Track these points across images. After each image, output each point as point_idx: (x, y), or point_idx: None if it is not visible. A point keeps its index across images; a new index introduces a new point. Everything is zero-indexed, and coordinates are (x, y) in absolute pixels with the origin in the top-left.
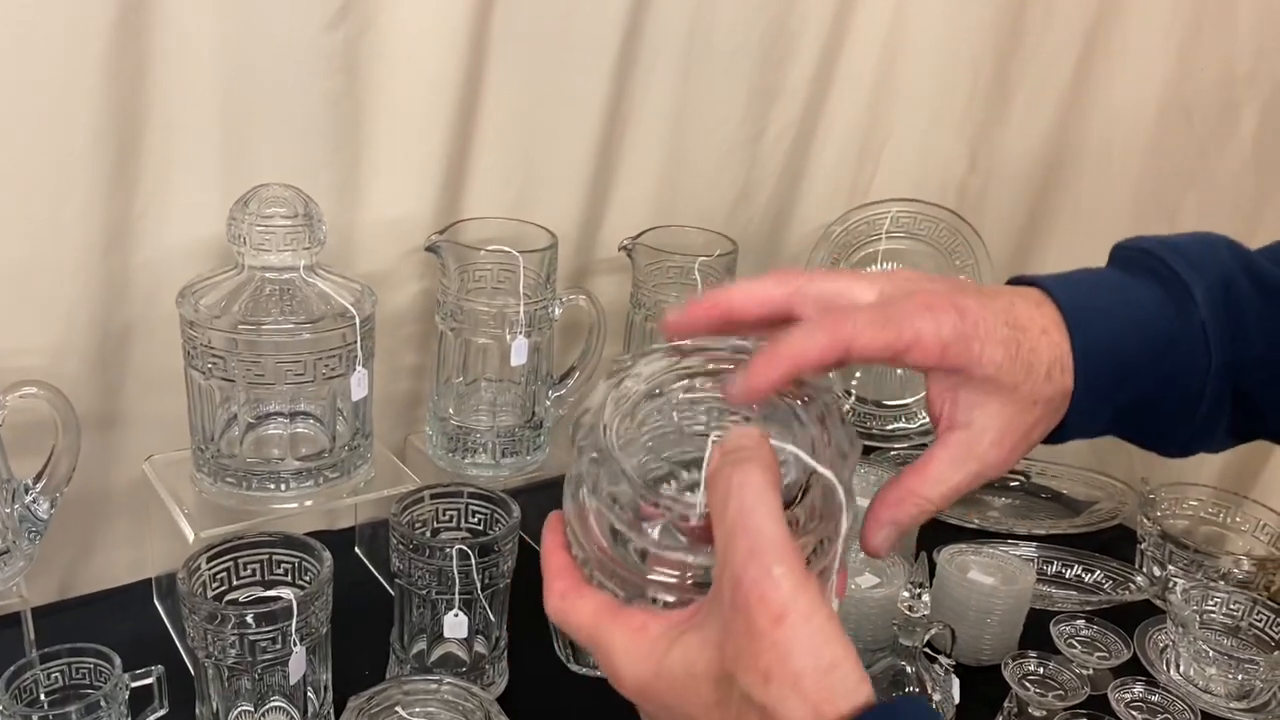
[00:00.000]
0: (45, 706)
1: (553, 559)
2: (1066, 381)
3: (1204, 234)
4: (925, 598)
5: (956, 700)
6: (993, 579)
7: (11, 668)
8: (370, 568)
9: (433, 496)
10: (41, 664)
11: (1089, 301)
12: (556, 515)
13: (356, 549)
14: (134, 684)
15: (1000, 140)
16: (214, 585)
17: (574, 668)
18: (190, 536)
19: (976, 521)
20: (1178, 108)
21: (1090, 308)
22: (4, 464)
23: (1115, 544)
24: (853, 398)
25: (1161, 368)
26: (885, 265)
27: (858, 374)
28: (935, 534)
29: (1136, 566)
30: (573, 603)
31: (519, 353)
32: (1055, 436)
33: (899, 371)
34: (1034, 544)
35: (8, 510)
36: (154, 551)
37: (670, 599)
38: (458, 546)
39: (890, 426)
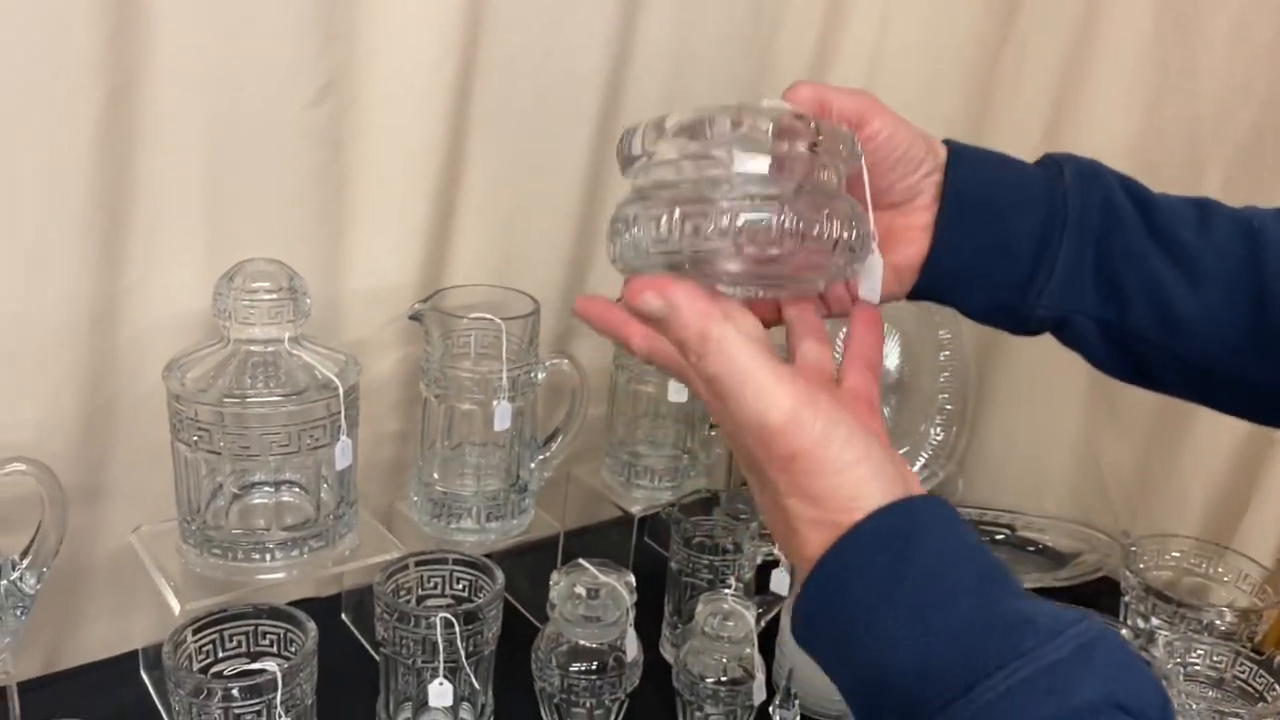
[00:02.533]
0: None
1: (611, 312)
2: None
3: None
4: None
5: None
6: None
7: None
8: (357, 634)
9: (417, 564)
10: None
11: (972, 152)
12: (584, 300)
13: (343, 615)
14: None
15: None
16: (200, 658)
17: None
18: (176, 609)
19: None
20: (1144, 165)
21: (971, 156)
22: None
23: (1100, 597)
24: None
25: (1020, 214)
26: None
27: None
28: None
29: (1121, 619)
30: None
31: (503, 418)
32: (926, 270)
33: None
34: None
35: None
36: (140, 623)
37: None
38: (442, 615)
39: None
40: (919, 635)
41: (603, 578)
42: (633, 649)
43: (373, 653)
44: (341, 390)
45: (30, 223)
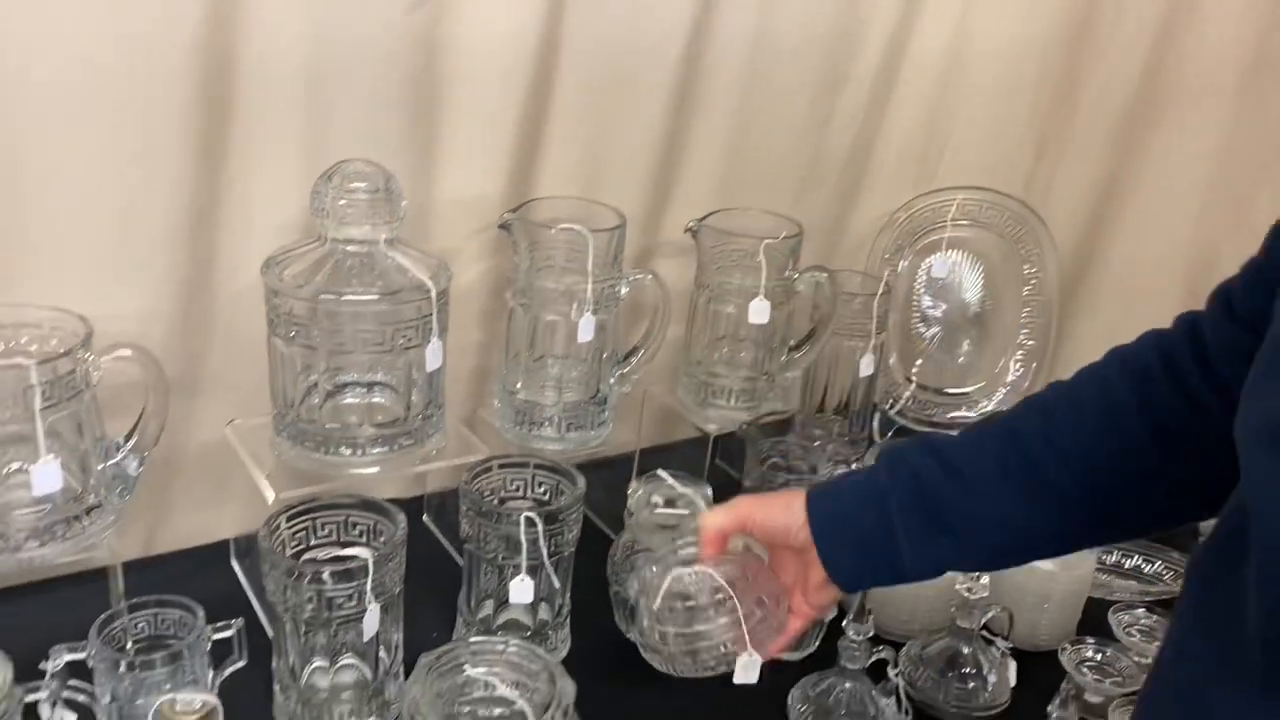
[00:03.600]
0: (132, 654)
1: None
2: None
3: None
4: (984, 580)
5: (1013, 683)
6: (1052, 564)
7: (102, 616)
8: (438, 535)
9: (501, 466)
10: (130, 614)
11: (820, 491)
12: None
13: (425, 517)
14: (216, 635)
15: (1069, 130)
16: (292, 544)
17: (630, 636)
18: (270, 497)
19: None
20: (1252, 96)
21: (820, 493)
22: (99, 422)
23: (1177, 536)
24: (913, 385)
25: (860, 512)
26: (950, 252)
27: (919, 361)
28: None
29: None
30: None
31: (586, 330)
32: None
33: (959, 359)
34: None
35: (100, 467)
36: (231, 514)
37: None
38: (525, 514)
39: (951, 415)
40: None
41: (680, 488)
42: None
43: (454, 553)
44: (434, 292)
45: (138, 124)
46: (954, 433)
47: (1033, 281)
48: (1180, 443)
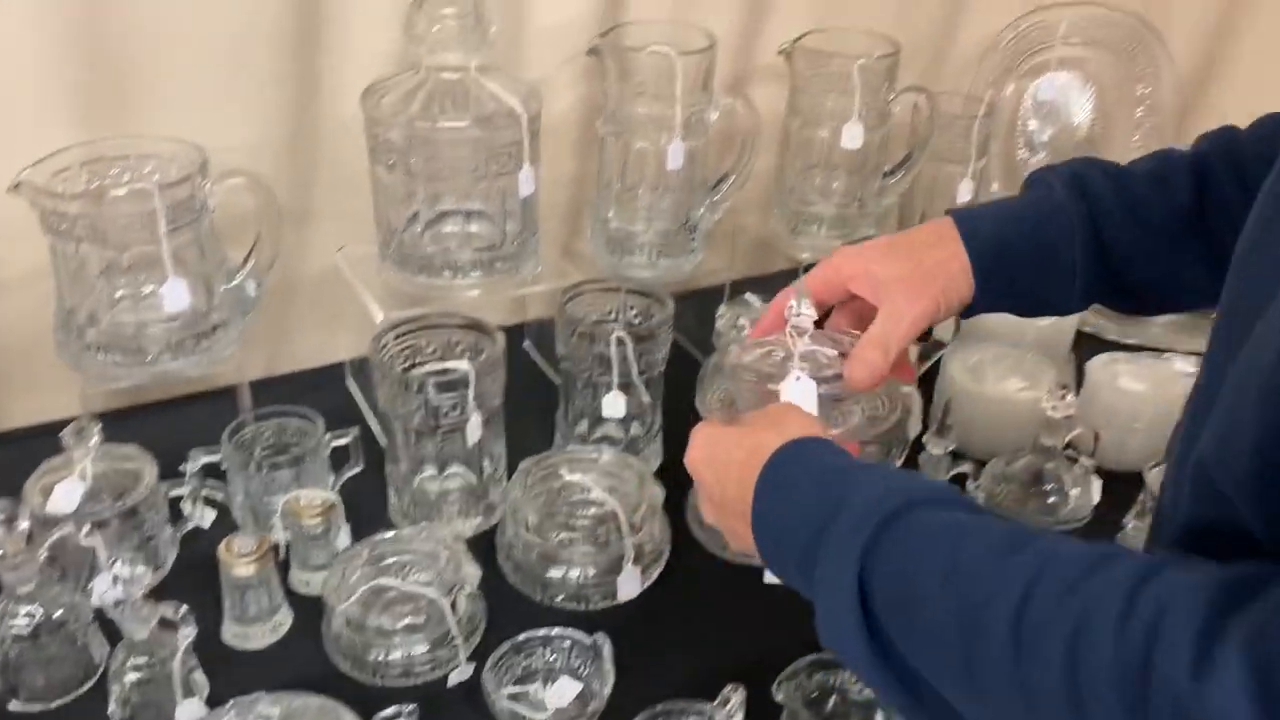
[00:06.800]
0: (260, 457)
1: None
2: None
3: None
4: (1069, 399)
5: (1096, 500)
6: (1143, 386)
7: (232, 424)
8: (539, 361)
9: (594, 290)
10: (256, 422)
11: (975, 211)
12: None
13: (525, 343)
14: (335, 442)
15: None
16: (400, 361)
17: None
18: (378, 317)
19: (1137, 338)
20: None
21: (976, 214)
22: (218, 247)
23: None
24: None
25: (1036, 242)
26: (1059, 73)
27: None
28: (1091, 348)
29: None
30: (701, 424)
31: (675, 156)
32: (973, 308)
33: None
34: (1195, 358)
35: (223, 288)
36: (345, 338)
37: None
38: (616, 334)
39: None
40: (819, 491)
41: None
42: None
43: (552, 376)
44: (525, 118)
45: None
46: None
47: (1146, 103)
48: None
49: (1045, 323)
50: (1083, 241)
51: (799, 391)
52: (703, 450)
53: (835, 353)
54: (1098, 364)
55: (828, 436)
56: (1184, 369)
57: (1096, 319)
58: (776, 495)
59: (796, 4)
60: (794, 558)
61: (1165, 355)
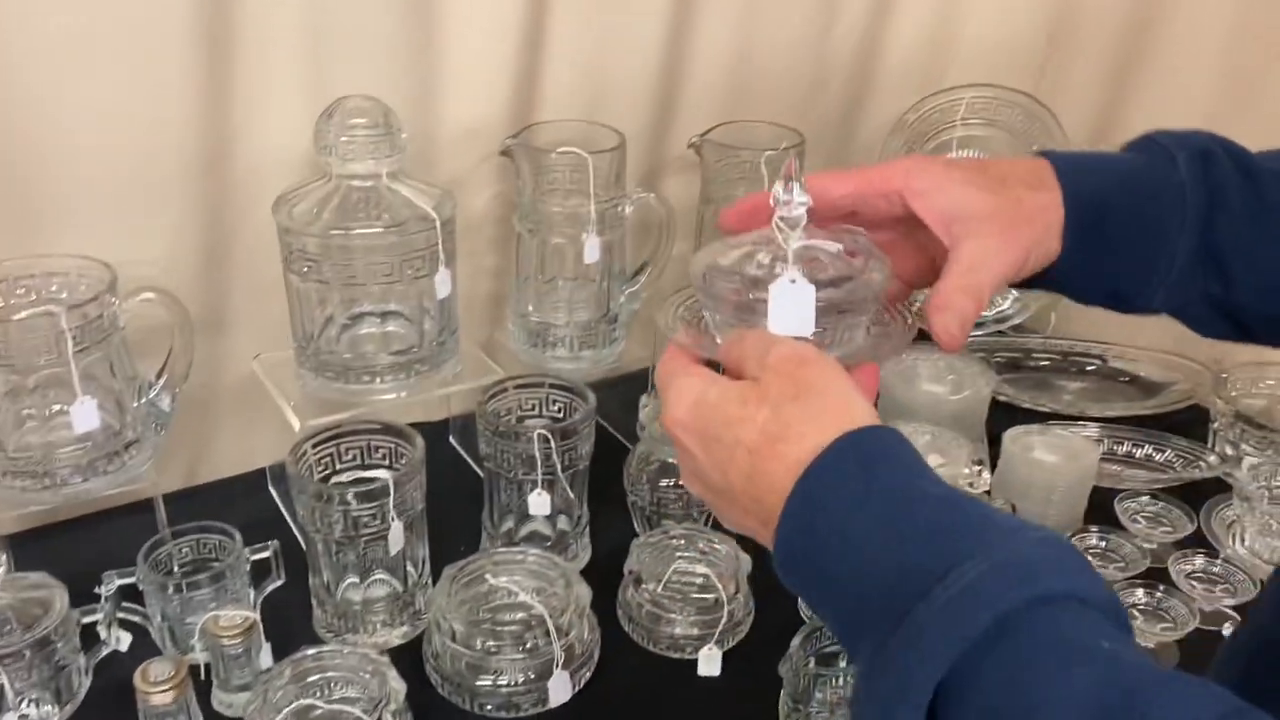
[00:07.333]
0: (179, 576)
1: (670, 348)
2: (1050, 214)
3: (1194, 129)
4: (985, 475)
5: None
6: (1055, 457)
7: (148, 543)
8: (464, 455)
9: (516, 387)
10: (174, 540)
11: (1079, 160)
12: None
13: (451, 439)
14: (254, 557)
15: (1080, 16)
16: (319, 469)
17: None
18: (297, 426)
19: (1048, 406)
20: None
21: (1079, 164)
22: (129, 363)
23: (1189, 425)
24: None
25: (1143, 215)
26: (961, 152)
27: None
28: (1006, 418)
29: (1210, 446)
30: (666, 363)
31: (592, 251)
32: (1049, 273)
33: None
34: (1106, 425)
35: (135, 405)
36: (266, 442)
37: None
38: (539, 431)
39: None
40: (892, 538)
41: None
42: None
43: (479, 471)
44: (439, 222)
45: (144, 70)
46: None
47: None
48: None
49: (958, 396)
50: (1191, 233)
51: (793, 299)
52: (689, 414)
53: (837, 247)
54: (1011, 437)
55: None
56: (1095, 437)
57: (1008, 388)
58: (831, 521)
59: (703, 99)
60: (845, 609)
61: (1077, 423)
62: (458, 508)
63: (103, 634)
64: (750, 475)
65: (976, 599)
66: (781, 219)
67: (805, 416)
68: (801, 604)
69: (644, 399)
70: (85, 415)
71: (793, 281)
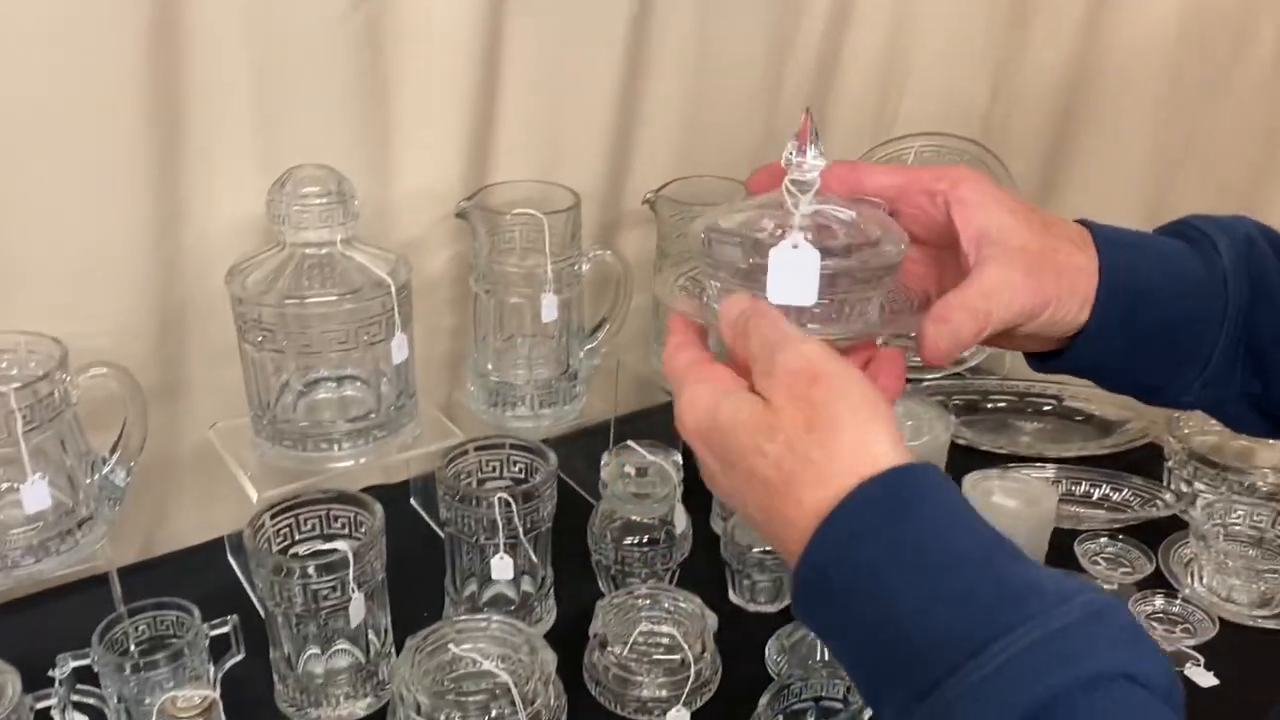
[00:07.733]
0: (135, 656)
1: (675, 322)
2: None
3: (1233, 215)
4: None
5: None
6: (1015, 502)
7: (103, 622)
8: (425, 517)
9: (476, 449)
10: (130, 618)
11: (1120, 234)
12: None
13: (412, 501)
14: (213, 632)
15: (1021, 68)
16: (278, 540)
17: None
18: (254, 496)
19: (1007, 448)
20: (1196, 25)
21: (1119, 238)
22: (82, 438)
23: (1145, 463)
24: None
25: (1182, 303)
26: None
27: None
28: (965, 462)
29: (1165, 484)
30: (676, 353)
31: (549, 309)
32: (1072, 350)
33: None
34: (1064, 466)
35: (89, 481)
36: (224, 512)
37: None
38: (500, 495)
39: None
40: (925, 598)
41: (650, 457)
42: (681, 523)
43: (440, 534)
44: (394, 288)
45: (92, 146)
46: None
47: None
48: None
49: (918, 442)
50: (1232, 326)
51: (794, 264)
52: (700, 428)
53: (851, 215)
54: (970, 482)
55: (831, 337)
56: (1053, 478)
57: (966, 431)
58: (857, 574)
59: (656, 156)
60: (866, 660)
61: (1036, 465)
62: (420, 571)
63: (57, 719)
64: (767, 512)
65: (1014, 681)
66: (793, 182)
67: (823, 456)
68: (769, 661)
69: (605, 457)
70: (36, 495)
71: (795, 247)
